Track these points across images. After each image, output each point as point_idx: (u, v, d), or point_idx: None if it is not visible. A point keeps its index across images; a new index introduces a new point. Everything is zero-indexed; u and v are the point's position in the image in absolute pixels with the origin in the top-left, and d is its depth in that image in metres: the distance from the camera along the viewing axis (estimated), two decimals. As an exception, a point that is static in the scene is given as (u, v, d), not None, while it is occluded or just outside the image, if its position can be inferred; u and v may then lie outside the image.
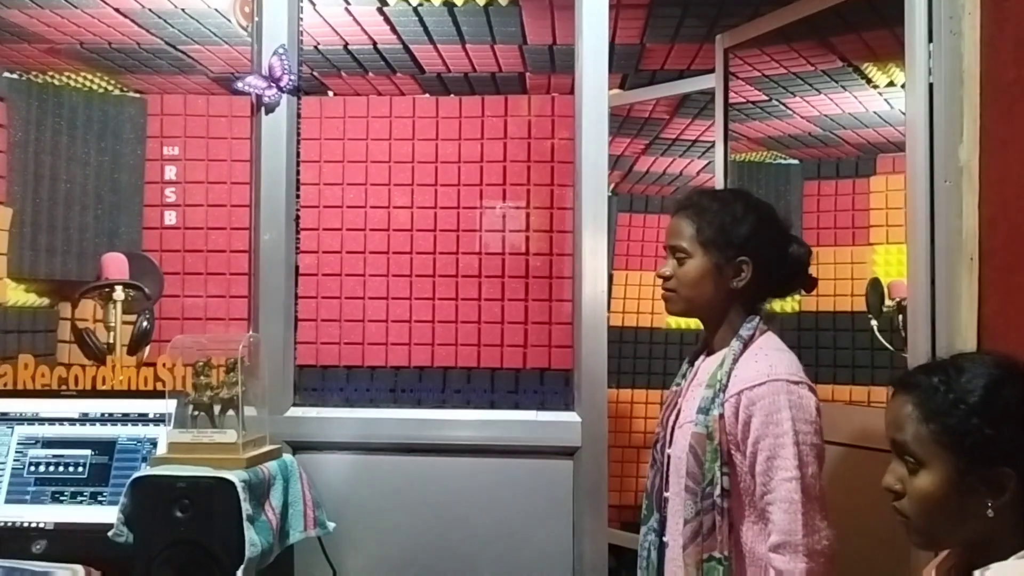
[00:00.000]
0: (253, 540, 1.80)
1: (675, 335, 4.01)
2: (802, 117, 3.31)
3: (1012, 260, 1.80)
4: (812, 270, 1.85)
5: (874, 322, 3.08)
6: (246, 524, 1.79)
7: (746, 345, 1.74)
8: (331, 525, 2.06)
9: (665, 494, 1.80)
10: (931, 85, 2.04)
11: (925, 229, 2.04)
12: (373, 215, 2.79)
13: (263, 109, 2.30)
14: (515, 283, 2.80)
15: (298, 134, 2.39)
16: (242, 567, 1.78)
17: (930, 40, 2.03)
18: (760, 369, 1.69)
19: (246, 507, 1.80)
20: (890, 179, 3.36)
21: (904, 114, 3.07)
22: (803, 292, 1.87)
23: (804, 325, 3.17)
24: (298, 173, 2.42)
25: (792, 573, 1.59)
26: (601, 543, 2.11)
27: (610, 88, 3.25)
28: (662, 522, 1.81)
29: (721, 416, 1.68)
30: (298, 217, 2.43)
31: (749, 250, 1.76)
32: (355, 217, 2.77)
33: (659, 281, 1.85)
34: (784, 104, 3.19)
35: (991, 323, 1.88)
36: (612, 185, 3.98)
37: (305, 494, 2.00)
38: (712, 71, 3.00)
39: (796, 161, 3.70)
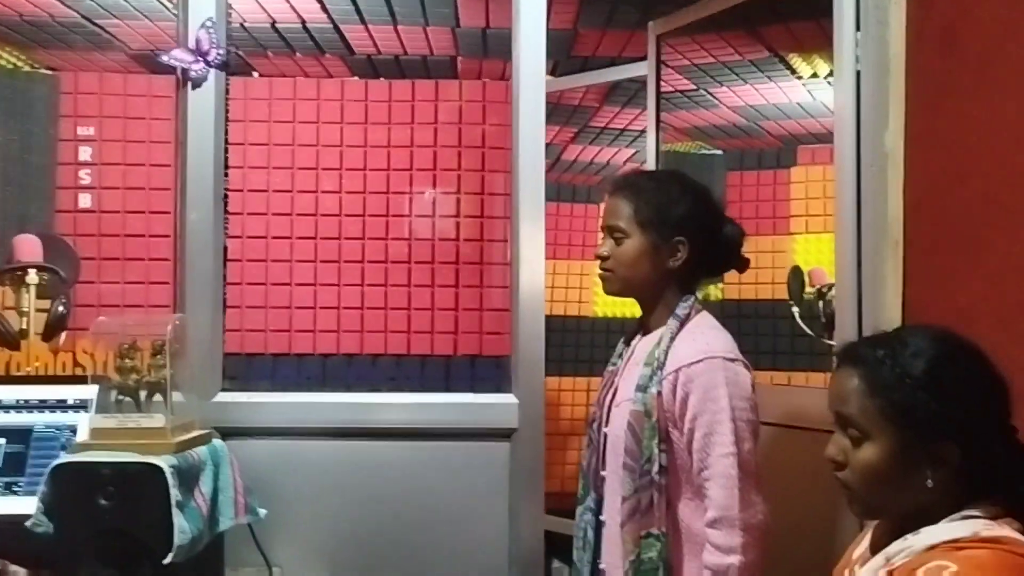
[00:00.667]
0: (183, 527, 1.74)
1: (602, 323, 4.03)
2: (728, 107, 3.36)
3: (935, 243, 1.87)
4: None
5: (795, 309, 3.16)
6: (175, 511, 1.73)
7: (682, 324, 1.77)
8: (262, 512, 2.01)
9: (602, 473, 1.81)
10: (859, 73, 2.09)
11: (852, 215, 2.10)
12: (300, 200, 2.74)
13: (189, 84, 2.22)
14: (445, 269, 2.79)
15: (226, 110, 2.31)
16: (171, 555, 1.72)
17: (858, 29, 2.09)
18: (697, 347, 1.71)
19: (175, 493, 1.74)
20: (810, 170, 3.44)
21: (826, 105, 3.15)
22: (736, 272, 1.89)
23: (727, 312, 3.23)
24: (226, 151, 2.34)
25: (729, 547, 1.62)
26: (537, 525, 2.11)
27: (540, 74, 3.25)
28: (599, 501, 1.83)
29: (659, 394, 1.70)
30: (226, 196, 2.36)
31: (685, 230, 1.78)
32: (281, 202, 2.72)
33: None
34: (711, 94, 3.24)
35: (915, 305, 1.95)
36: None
37: (236, 480, 1.95)
38: (644, 59, 3.02)
39: (720, 152, 3.76)
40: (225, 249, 2.35)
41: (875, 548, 1.28)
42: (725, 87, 3.18)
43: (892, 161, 1.99)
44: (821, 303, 3.35)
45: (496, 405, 2.22)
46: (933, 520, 1.17)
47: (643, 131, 3.66)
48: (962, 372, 1.18)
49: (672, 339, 1.75)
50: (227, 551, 2.05)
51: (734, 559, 1.61)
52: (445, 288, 2.80)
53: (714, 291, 3.19)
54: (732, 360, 1.70)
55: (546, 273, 3.85)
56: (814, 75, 3.01)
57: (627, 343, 1.92)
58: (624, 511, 1.71)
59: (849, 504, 1.26)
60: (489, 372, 2.83)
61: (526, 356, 2.19)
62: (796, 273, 3.26)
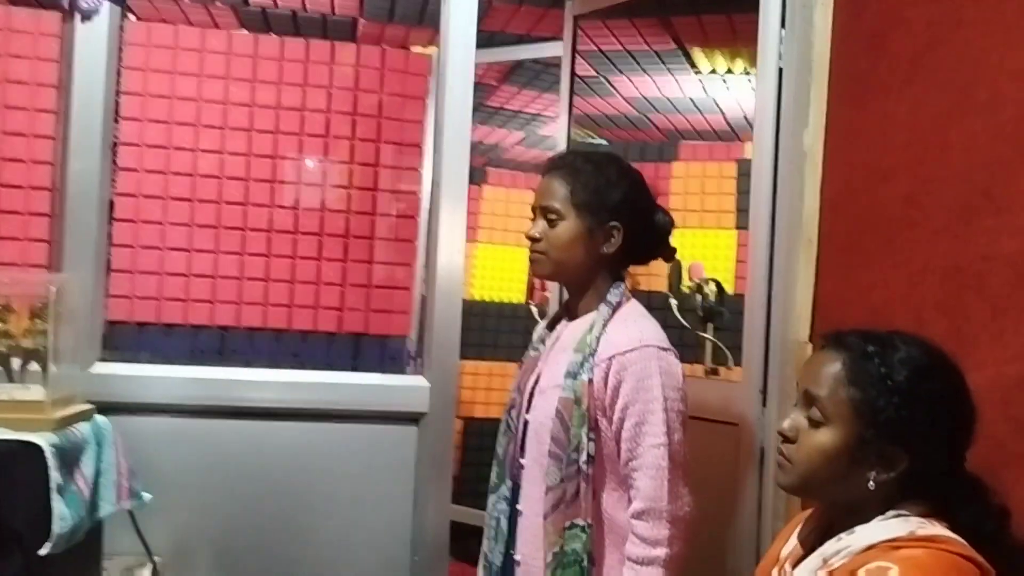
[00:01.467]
0: (63, 514, 1.54)
1: (479, 307, 3.99)
2: (623, 97, 3.38)
3: (852, 242, 1.91)
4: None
5: (673, 301, 3.21)
6: (54, 495, 1.53)
7: (614, 310, 1.73)
8: (147, 496, 1.81)
9: (521, 461, 1.75)
10: (780, 71, 2.12)
11: (767, 210, 2.12)
12: (177, 157, 2.57)
13: (79, 16, 1.97)
14: (333, 242, 2.70)
15: (120, 48, 2.07)
16: (48, 545, 1.52)
17: (783, 26, 2.11)
18: (632, 335, 1.67)
19: (55, 476, 1.54)
20: (690, 166, 3.52)
21: (716, 102, 3.22)
22: (663, 261, 1.87)
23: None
24: (118, 94, 2.11)
25: (655, 539, 1.60)
26: (444, 513, 2.02)
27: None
28: (515, 490, 1.76)
29: (590, 381, 1.66)
30: (116, 145, 2.13)
31: (621, 216, 1.74)
32: (155, 158, 2.53)
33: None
34: (610, 82, 3.24)
35: (826, 302, 1.99)
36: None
37: (119, 461, 1.75)
38: (551, 39, 2.96)
39: (605, 141, 3.79)
40: (111, 204, 2.12)
41: (805, 546, 1.28)
42: (625, 76, 3.19)
43: (810, 159, 2.02)
44: (699, 297, 3.45)
45: (406, 388, 2.10)
46: (862, 514, 1.18)
47: (536, 115, 3.64)
48: (939, 391, 1.18)
49: (604, 325, 1.70)
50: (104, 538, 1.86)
51: (660, 552, 1.59)
52: (332, 262, 2.70)
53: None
54: (665, 350, 1.68)
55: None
56: (713, 71, 3.06)
57: (550, 328, 1.86)
58: (548, 501, 1.66)
59: (780, 476, 1.26)
60: (373, 351, 2.74)
61: (441, 339, 2.08)
62: (676, 267, 3.32)
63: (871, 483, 1.17)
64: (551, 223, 1.74)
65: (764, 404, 2.10)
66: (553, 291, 2.81)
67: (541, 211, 1.76)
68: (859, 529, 1.17)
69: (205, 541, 1.98)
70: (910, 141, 1.74)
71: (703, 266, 3.66)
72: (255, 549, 2.00)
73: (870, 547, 1.14)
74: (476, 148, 4.07)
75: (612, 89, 3.26)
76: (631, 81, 3.19)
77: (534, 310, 3.86)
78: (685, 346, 3.20)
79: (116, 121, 2.12)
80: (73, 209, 1.92)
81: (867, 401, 1.17)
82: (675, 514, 1.61)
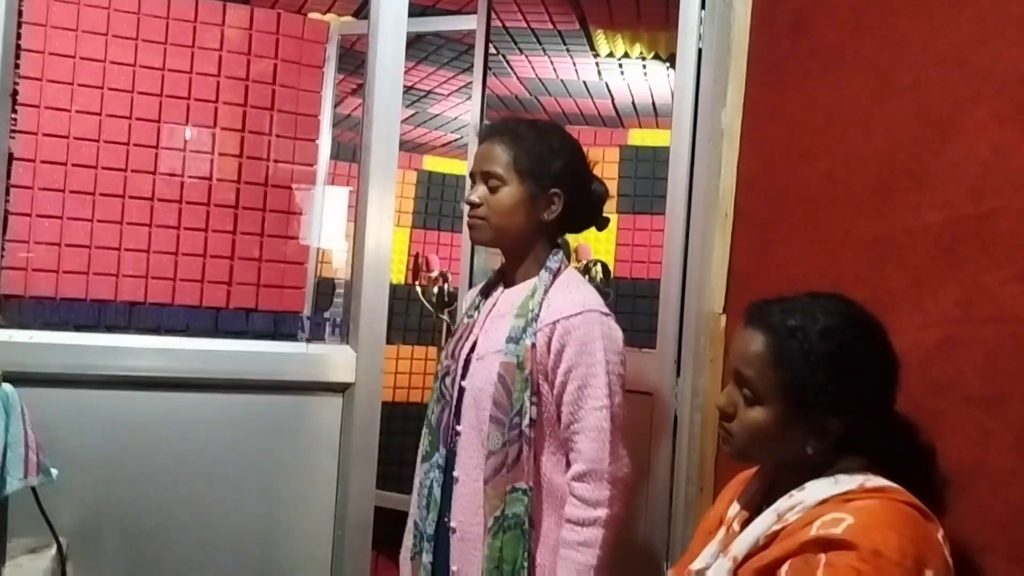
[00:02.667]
0: (-29, 489, 1.40)
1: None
2: (518, 77, 3.39)
3: (769, 217, 1.99)
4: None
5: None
6: (-37, 469, 1.39)
7: (555, 276, 1.74)
8: (55, 472, 1.67)
9: (456, 428, 1.74)
10: (700, 51, 2.18)
11: (684, 187, 2.18)
12: (48, 118, 2.39)
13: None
14: (222, 213, 2.58)
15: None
16: (-44, 524, 1.38)
17: (703, 7, 2.17)
18: (575, 300, 1.69)
19: (-36, 447, 1.39)
20: (573, 151, 3.57)
21: (608, 86, 3.28)
22: (595, 230, 1.90)
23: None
24: (19, 36, 1.93)
25: (596, 501, 1.62)
26: (368, 486, 1.96)
27: (343, 14, 3.07)
28: (450, 457, 1.74)
29: (533, 345, 1.67)
30: (16, 91, 1.95)
31: (562, 183, 1.75)
32: (27, 118, 2.35)
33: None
34: (508, 61, 3.24)
35: (741, 274, 2.07)
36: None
37: (27, 433, 1.60)
38: (458, 12, 2.93)
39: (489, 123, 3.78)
40: (11, 156, 1.94)
41: (751, 506, 1.34)
42: (524, 56, 3.19)
43: (728, 136, 2.10)
44: (587, 277, 3.52)
45: (330, 357, 2.02)
46: (804, 474, 1.24)
47: (429, 92, 3.60)
48: (864, 356, 1.23)
49: (546, 291, 1.71)
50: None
51: (601, 512, 1.62)
52: (220, 234, 2.58)
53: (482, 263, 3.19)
54: (607, 315, 1.70)
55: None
56: (610, 54, 3.12)
57: (484, 295, 1.85)
58: (490, 466, 1.65)
59: (724, 447, 1.32)
60: (265, 328, 2.65)
61: (368, 308, 2.01)
62: (564, 246, 3.37)
63: (809, 449, 1.23)
64: (492, 189, 1.74)
65: (678, 374, 2.15)
66: (464, 266, 2.79)
67: (482, 176, 1.75)
68: (810, 485, 1.22)
69: (114, 521, 1.84)
70: (831, 121, 1.82)
71: (590, 247, 3.73)
72: (168, 528, 1.88)
73: (823, 501, 1.20)
74: (360, 124, 3.99)
75: (509, 69, 3.26)
76: (529, 61, 3.20)
77: (418, 289, 3.81)
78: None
79: (17, 64, 1.94)
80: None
81: (794, 381, 1.21)
82: (615, 475, 1.64)
